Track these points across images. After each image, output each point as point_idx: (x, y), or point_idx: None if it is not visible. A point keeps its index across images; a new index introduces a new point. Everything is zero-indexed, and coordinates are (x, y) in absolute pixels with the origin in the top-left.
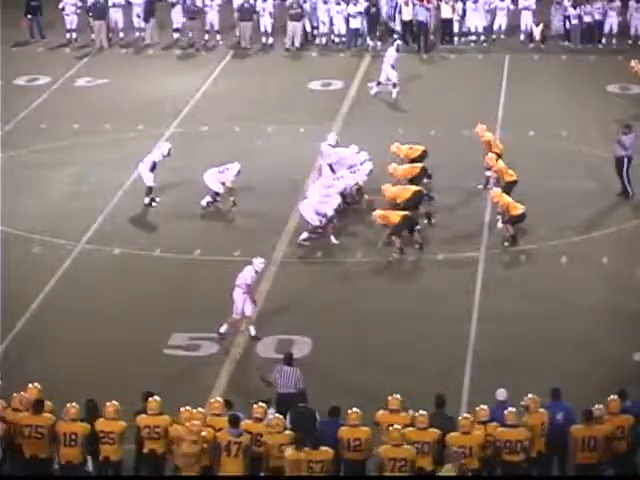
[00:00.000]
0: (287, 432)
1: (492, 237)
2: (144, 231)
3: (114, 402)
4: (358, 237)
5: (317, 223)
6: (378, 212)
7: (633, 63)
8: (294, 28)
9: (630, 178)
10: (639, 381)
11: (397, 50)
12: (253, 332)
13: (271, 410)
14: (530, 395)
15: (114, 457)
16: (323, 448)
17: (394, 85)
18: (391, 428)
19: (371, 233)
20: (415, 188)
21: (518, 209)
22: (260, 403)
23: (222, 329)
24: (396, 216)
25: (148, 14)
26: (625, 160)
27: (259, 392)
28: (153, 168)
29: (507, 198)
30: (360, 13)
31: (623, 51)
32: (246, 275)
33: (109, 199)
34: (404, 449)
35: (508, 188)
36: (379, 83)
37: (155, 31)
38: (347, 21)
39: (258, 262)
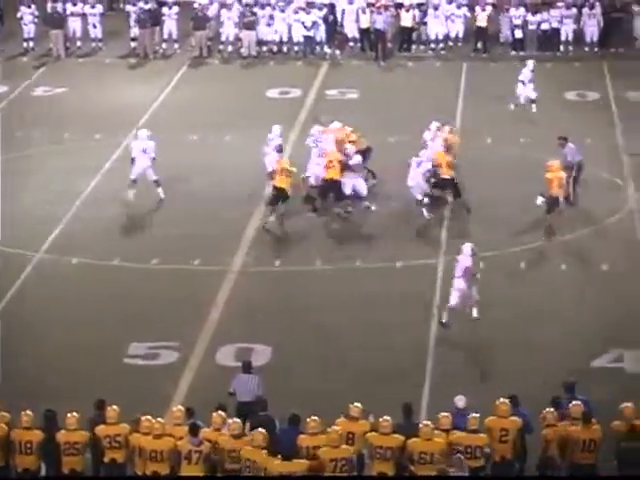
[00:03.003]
0: (245, 437)
1: (450, 244)
2: (103, 240)
3: (74, 413)
4: (318, 245)
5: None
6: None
7: None
8: (249, 37)
9: (575, 187)
10: (597, 386)
11: (532, 71)
12: (476, 314)
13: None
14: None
15: (78, 468)
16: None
17: (533, 101)
18: (329, 429)
19: (330, 242)
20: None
21: (446, 174)
22: (219, 412)
23: (444, 319)
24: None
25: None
26: (574, 167)
27: (218, 400)
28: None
29: (444, 158)
30: (315, 22)
31: (580, 58)
32: (464, 263)
33: (68, 208)
34: (343, 449)
35: (442, 184)
36: (516, 105)
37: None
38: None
39: (467, 246)
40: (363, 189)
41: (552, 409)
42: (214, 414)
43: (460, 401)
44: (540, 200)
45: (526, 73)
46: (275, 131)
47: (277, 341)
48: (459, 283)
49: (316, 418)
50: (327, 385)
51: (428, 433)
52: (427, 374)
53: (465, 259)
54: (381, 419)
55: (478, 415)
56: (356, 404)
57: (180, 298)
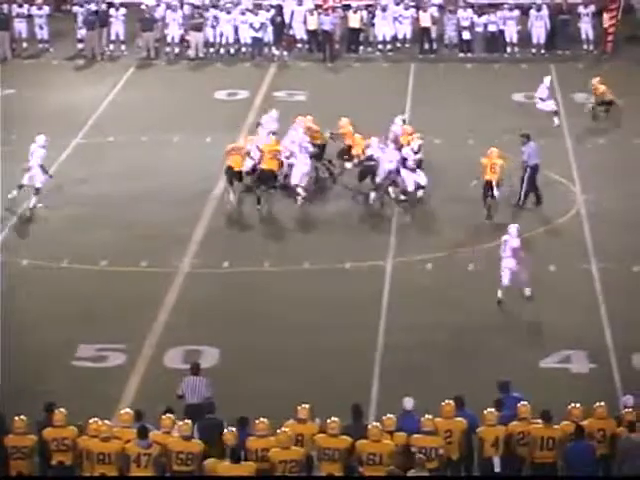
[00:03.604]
0: (194, 440)
1: (400, 245)
2: (52, 242)
3: (22, 417)
4: (266, 246)
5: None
6: None
7: (594, 82)
8: (196, 38)
9: (529, 187)
10: (544, 388)
11: (548, 87)
12: (528, 293)
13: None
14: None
15: (26, 471)
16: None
17: (556, 113)
18: (279, 431)
19: (279, 243)
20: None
21: (360, 156)
22: (168, 414)
23: (499, 294)
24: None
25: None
26: (528, 169)
27: (167, 402)
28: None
29: (358, 140)
30: (263, 23)
31: (527, 60)
32: (512, 244)
33: (16, 209)
34: (293, 451)
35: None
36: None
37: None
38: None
39: (513, 227)
40: (422, 180)
41: (493, 409)
42: (163, 416)
43: (408, 402)
44: (474, 183)
45: (543, 90)
46: (273, 114)
47: (225, 343)
48: (509, 262)
49: (265, 420)
50: (275, 387)
51: (377, 434)
52: (375, 376)
53: (512, 240)
54: (329, 420)
55: (431, 416)
56: (304, 406)
57: (128, 300)
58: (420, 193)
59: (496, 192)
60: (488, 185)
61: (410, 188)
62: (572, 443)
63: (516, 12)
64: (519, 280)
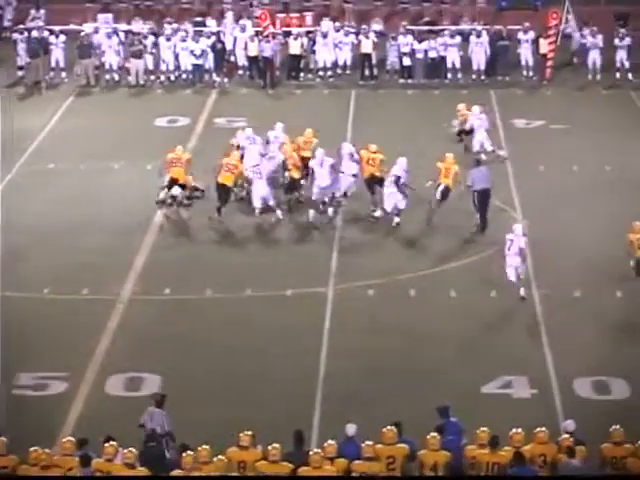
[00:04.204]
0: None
1: (340, 271)
2: None
3: None
4: (207, 273)
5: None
6: None
7: (460, 107)
8: (136, 65)
9: (478, 211)
10: (486, 414)
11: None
12: (523, 293)
13: None
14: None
15: None
16: None
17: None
18: (215, 459)
19: (221, 269)
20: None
21: (295, 174)
22: (111, 442)
23: (522, 292)
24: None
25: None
26: (474, 193)
27: (109, 430)
28: None
29: (295, 157)
30: (204, 50)
31: (467, 86)
32: (519, 243)
33: None
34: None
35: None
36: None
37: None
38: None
39: (518, 226)
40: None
41: (435, 434)
42: (106, 444)
43: (350, 429)
44: (429, 183)
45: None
46: (278, 129)
47: (167, 370)
48: (514, 260)
49: (207, 447)
50: (217, 414)
51: (318, 461)
52: (317, 402)
53: (518, 239)
54: (270, 447)
55: (372, 443)
56: (246, 432)
57: (69, 328)
58: (397, 219)
59: (438, 195)
60: (445, 189)
61: (388, 209)
62: (514, 469)
63: (458, 38)
64: (518, 272)
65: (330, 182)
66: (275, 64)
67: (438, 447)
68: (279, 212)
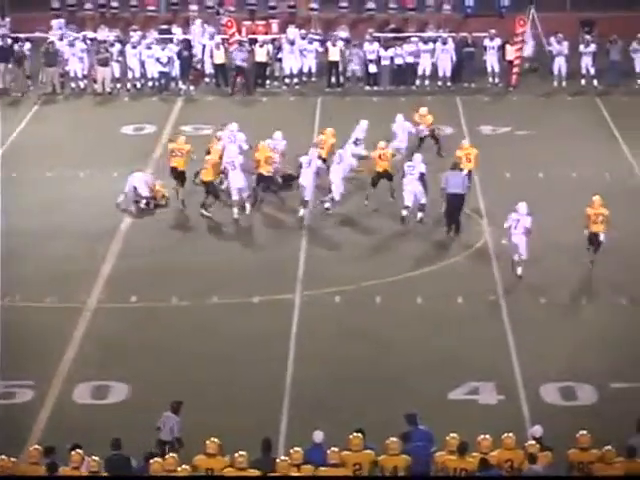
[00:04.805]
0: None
1: (307, 278)
2: None
3: None
4: (174, 281)
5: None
6: None
7: (422, 111)
8: (102, 73)
9: (446, 215)
10: (453, 420)
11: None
12: (520, 272)
13: None
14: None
15: None
16: None
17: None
18: (179, 468)
19: (187, 277)
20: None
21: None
22: (77, 450)
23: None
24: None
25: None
26: (446, 197)
27: (76, 438)
28: None
29: (265, 153)
30: (171, 58)
31: (433, 93)
32: (524, 223)
33: None
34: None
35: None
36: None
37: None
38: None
39: (523, 205)
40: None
41: (395, 439)
42: (72, 452)
43: (317, 436)
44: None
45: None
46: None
47: (134, 378)
48: (519, 238)
49: (174, 455)
50: (184, 421)
51: (285, 468)
52: (285, 408)
53: (524, 219)
54: (237, 454)
55: (338, 449)
56: (213, 440)
57: (36, 336)
58: (420, 215)
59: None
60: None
61: (409, 204)
62: (481, 473)
63: (431, 45)
64: (519, 252)
65: (311, 183)
66: (248, 71)
67: (398, 451)
68: (248, 207)
